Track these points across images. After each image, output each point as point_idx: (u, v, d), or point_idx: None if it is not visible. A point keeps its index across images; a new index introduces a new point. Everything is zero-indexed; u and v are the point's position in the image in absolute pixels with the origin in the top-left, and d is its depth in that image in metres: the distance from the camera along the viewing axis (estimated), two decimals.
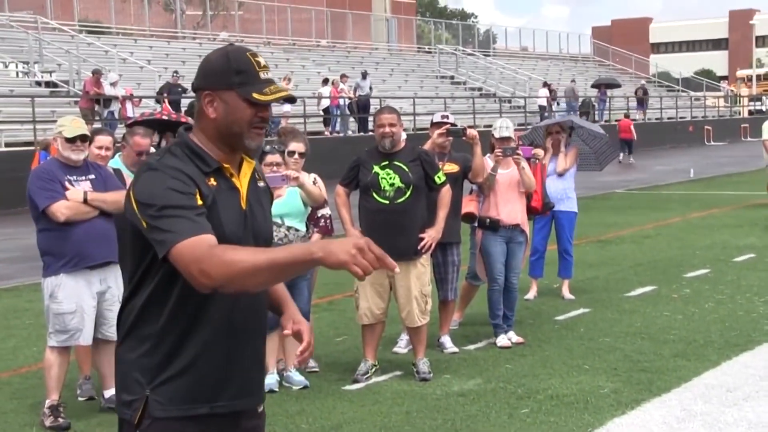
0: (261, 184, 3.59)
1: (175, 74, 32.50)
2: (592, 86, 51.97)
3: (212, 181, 3.37)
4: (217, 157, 3.41)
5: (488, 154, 9.59)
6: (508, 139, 9.48)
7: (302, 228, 8.19)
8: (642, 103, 53.08)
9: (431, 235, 8.35)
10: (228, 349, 3.42)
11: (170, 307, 3.34)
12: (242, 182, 3.48)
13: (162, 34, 45.20)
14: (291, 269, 3.14)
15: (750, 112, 68.12)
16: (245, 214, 3.44)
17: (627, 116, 43.58)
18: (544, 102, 46.02)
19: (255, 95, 3.35)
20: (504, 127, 9.57)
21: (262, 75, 3.38)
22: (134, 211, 3.28)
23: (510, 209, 9.46)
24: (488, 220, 9.44)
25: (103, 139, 8.15)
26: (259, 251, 3.17)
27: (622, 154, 37.97)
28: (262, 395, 3.63)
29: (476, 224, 9.61)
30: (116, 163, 8.24)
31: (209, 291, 3.18)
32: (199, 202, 3.29)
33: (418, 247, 8.30)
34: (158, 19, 48.41)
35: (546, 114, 42.87)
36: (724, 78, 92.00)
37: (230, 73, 3.36)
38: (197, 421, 3.38)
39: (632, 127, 40.17)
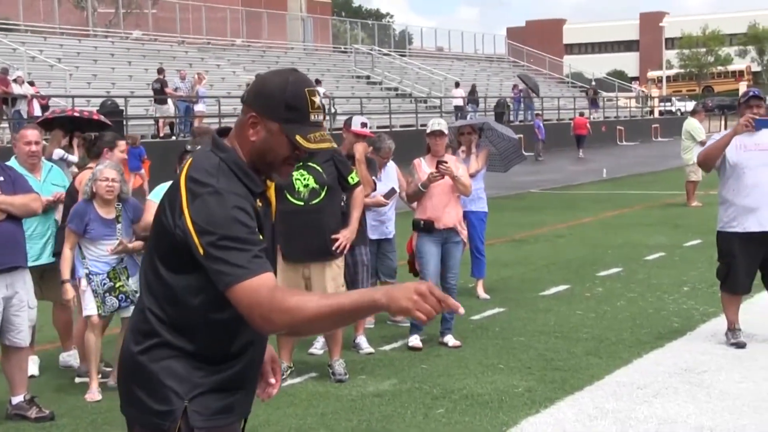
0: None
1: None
2: (519, 76, 52.33)
3: (258, 202, 3.32)
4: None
5: (425, 156, 9.70)
6: (441, 133, 9.55)
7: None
8: (594, 102, 57.58)
9: (345, 236, 8.32)
10: (250, 360, 3.44)
11: (208, 323, 3.30)
12: (272, 197, 3.46)
13: (73, 32, 44.50)
14: (354, 315, 3.13)
15: (660, 113, 69.36)
16: (273, 228, 3.44)
17: (582, 114, 48.71)
18: (460, 102, 46.25)
19: (299, 138, 3.26)
20: (437, 122, 9.75)
21: (313, 117, 3.27)
22: (189, 233, 3.16)
23: (445, 213, 9.47)
24: (422, 222, 9.47)
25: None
26: (322, 297, 3.13)
27: (581, 150, 43.37)
28: None
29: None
30: (13, 164, 8.06)
31: (265, 333, 3.24)
32: (261, 236, 3.23)
33: (333, 248, 8.27)
34: (69, 17, 47.56)
35: (461, 115, 43.07)
36: (636, 79, 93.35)
37: (281, 106, 3.25)
38: (229, 431, 3.40)
39: (588, 124, 45.41)
